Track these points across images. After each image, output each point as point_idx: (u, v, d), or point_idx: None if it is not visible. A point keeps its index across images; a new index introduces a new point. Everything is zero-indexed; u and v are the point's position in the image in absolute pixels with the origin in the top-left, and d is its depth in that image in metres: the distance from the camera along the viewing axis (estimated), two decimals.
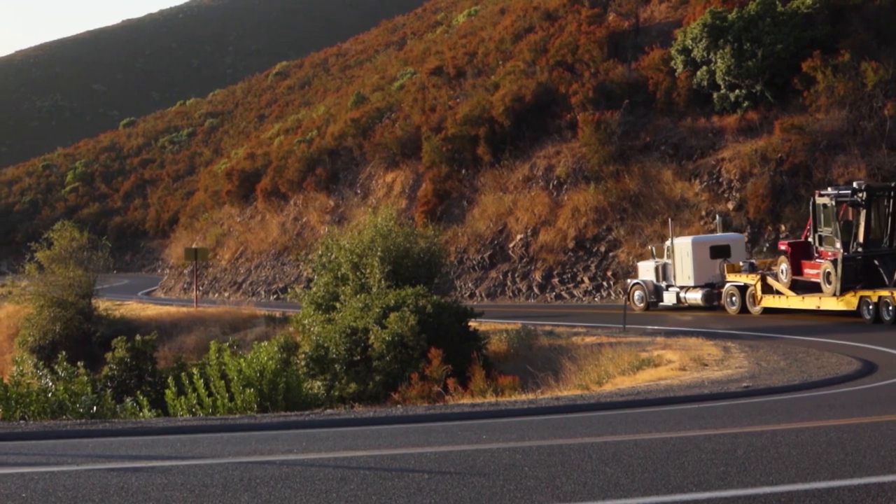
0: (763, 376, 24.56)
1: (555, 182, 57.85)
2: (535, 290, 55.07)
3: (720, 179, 51.04)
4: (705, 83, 53.66)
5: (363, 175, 73.08)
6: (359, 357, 33.42)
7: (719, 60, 52.37)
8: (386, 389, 31.10)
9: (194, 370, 25.60)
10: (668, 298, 45.79)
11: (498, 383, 27.20)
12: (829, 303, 38.20)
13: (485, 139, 62.49)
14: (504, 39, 75.32)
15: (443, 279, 46.06)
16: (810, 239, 40.21)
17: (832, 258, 38.26)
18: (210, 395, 23.69)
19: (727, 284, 43.40)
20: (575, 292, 53.24)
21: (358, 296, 38.13)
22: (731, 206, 49.90)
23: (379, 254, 40.39)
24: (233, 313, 56.69)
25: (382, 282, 39.29)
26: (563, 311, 47.45)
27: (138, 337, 36.57)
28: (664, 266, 46.37)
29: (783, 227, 47.74)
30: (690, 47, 54.30)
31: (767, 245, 47.75)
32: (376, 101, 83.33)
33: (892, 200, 37.72)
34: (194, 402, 23.78)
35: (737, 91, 52.45)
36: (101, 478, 11.32)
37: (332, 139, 78.47)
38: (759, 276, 41.85)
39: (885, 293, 35.92)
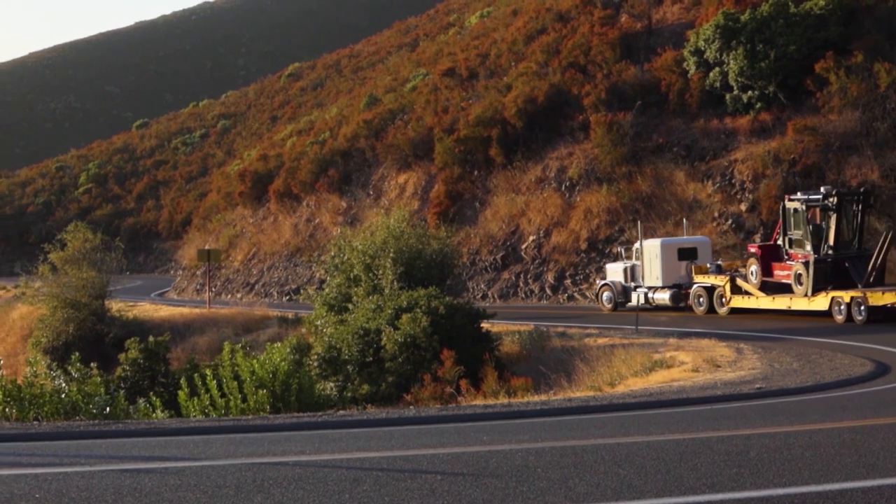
0: (776, 378, 24.53)
1: (567, 183, 57.83)
2: (548, 291, 55.05)
3: (733, 181, 50.99)
4: (718, 84, 53.60)
5: (375, 176, 73.12)
6: (371, 358, 33.46)
7: (732, 62, 52.30)
8: (398, 390, 31.12)
9: (207, 371, 25.61)
10: (636, 299, 46.99)
11: (510, 384, 27.21)
12: (801, 303, 39.68)
13: (497, 140, 62.47)
14: (516, 41, 75.28)
15: (455, 280, 46.19)
16: (780, 242, 41.85)
17: (803, 260, 39.94)
18: (223, 396, 23.73)
19: (695, 285, 45.07)
20: (587, 293, 53.18)
21: (370, 297, 38.18)
22: (743, 207, 49.85)
23: (391, 255, 40.43)
24: (245, 314, 56.74)
25: (395, 283, 39.33)
26: (576, 313, 47.42)
27: (151, 338, 36.64)
28: (633, 267, 47.89)
29: None
30: (703, 48, 54.23)
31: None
32: (389, 103, 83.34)
33: (860, 205, 39.75)
34: (207, 403, 23.81)
35: (749, 92, 52.37)
36: (114, 478, 11.35)
37: (345, 140, 78.51)
38: (728, 278, 43.38)
39: (857, 294, 37.48)
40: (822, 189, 40.63)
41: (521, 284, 56.69)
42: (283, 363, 24.12)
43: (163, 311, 63.95)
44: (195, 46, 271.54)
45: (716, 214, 50.65)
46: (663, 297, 45.87)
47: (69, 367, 24.98)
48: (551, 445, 13.79)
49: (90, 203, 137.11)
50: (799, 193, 41.61)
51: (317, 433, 16.47)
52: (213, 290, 75.37)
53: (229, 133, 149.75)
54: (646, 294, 46.76)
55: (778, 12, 52.21)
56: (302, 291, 58.78)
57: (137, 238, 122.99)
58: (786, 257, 41.40)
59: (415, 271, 40.96)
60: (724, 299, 43.37)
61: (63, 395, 20.73)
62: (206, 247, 78.40)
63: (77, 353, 26.28)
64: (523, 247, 57.29)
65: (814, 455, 12.03)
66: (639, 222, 49.90)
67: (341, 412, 22.40)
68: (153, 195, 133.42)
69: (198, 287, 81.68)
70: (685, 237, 48.26)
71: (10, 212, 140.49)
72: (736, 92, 52.86)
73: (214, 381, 23.72)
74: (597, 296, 50.31)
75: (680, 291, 45.55)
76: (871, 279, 38.29)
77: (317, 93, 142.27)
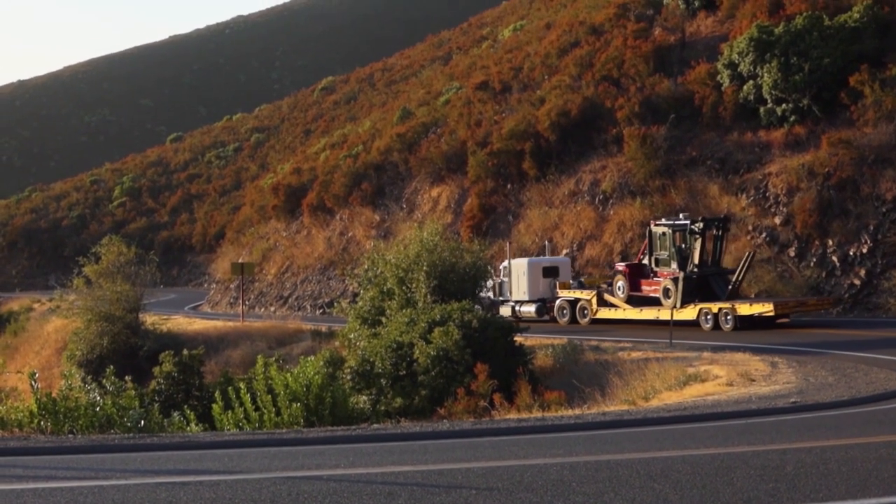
0: (811, 392, 24.41)
1: (600, 197, 57.75)
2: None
3: (767, 194, 50.80)
4: (752, 97, 53.42)
5: (409, 190, 73.16)
6: (404, 372, 33.43)
7: (766, 74, 52.14)
8: (431, 404, 31.05)
9: (241, 384, 25.67)
10: (504, 311, 50.67)
11: (544, 398, 27.13)
12: (668, 314, 43.43)
13: (530, 154, 62.45)
14: (550, 54, 75.22)
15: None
16: (645, 261, 47.42)
17: (671, 277, 45.32)
18: (257, 409, 23.77)
19: (559, 299, 50.70)
20: None
21: (404, 310, 38.15)
22: (777, 220, 49.67)
23: (425, 268, 40.44)
24: (279, 328, 56.81)
25: (428, 296, 39.33)
26: (609, 326, 47.36)
27: (185, 351, 36.65)
28: (500, 283, 53.16)
29: (831, 242, 47.46)
30: (737, 61, 54.07)
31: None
32: (422, 116, 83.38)
33: (721, 230, 45.60)
34: (241, 416, 23.85)
35: (783, 105, 52.18)
36: (149, 492, 11.38)
37: (378, 154, 78.61)
38: (595, 292, 49.09)
39: (725, 305, 43.28)
40: (680, 216, 46.96)
41: None
42: (316, 376, 24.12)
43: (196, 325, 64.11)
44: (229, 60, 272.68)
45: (750, 228, 50.48)
46: (529, 309, 51.41)
47: (104, 381, 25.04)
48: (586, 460, 13.77)
49: (124, 216, 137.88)
50: (664, 219, 47.50)
51: (351, 447, 16.48)
52: (247, 303, 75.50)
53: (263, 146, 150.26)
54: (513, 307, 51.94)
55: (812, 25, 52.02)
56: (335, 305, 59.03)
57: (171, 251, 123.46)
58: (652, 275, 46.71)
59: (448, 285, 40.96)
60: (586, 311, 49.18)
61: (98, 409, 20.79)
62: (240, 260, 78.56)
63: (111, 367, 26.35)
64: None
65: (850, 470, 11.97)
66: (508, 242, 57.26)
67: (375, 426, 22.39)
68: (187, 208, 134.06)
69: (231, 300, 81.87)
70: (549, 257, 54.45)
71: (44, 225, 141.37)
72: (770, 105, 52.68)
73: (248, 395, 23.76)
74: None
75: (544, 305, 50.79)
76: (732, 293, 44.36)
77: (350, 106, 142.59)
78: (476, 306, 40.67)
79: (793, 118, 51.90)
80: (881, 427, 17.46)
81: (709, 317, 43.50)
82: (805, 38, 51.64)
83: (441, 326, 33.25)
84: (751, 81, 53.32)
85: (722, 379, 28.55)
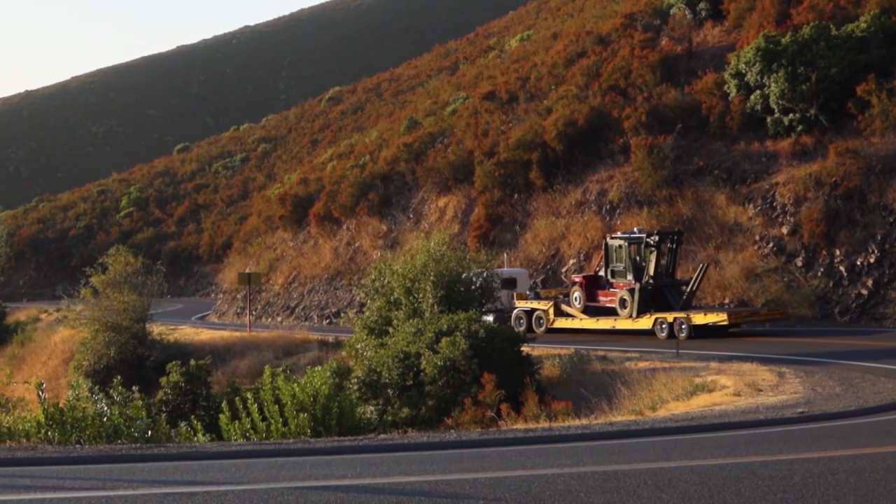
0: (819, 402, 24.38)
1: (607, 206, 57.73)
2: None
3: (774, 204, 50.77)
4: (759, 107, 53.42)
5: (416, 200, 73.18)
6: (411, 382, 33.38)
7: (773, 84, 52.14)
8: (438, 414, 31.03)
9: (248, 395, 25.69)
10: None
11: (551, 408, 27.10)
12: (625, 323, 46.86)
13: (537, 164, 62.46)
14: (557, 64, 75.23)
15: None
16: (601, 273, 49.42)
17: (627, 288, 47.28)
18: (264, 419, 23.78)
19: (516, 309, 51.98)
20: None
21: (411, 320, 38.11)
22: (785, 230, 49.63)
23: (432, 278, 40.44)
24: (286, 338, 56.79)
25: (435, 306, 39.32)
26: (616, 336, 47.34)
27: (192, 361, 36.62)
28: None
29: (838, 252, 47.43)
30: (744, 71, 54.06)
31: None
32: (429, 126, 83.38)
33: (674, 243, 47.61)
34: (248, 426, 23.86)
35: (791, 115, 52.19)
36: (156, 502, 11.38)
37: (385, 164, 78.61)
38: (551, 303, 50.87)
39: (680, 314, 45.21)
40: (635, 229, 49.45)
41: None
42: (323, 386, 24.12)
43: (203, 335, 64.14)
44: (236, 70, 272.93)
45: (757, 238, 50.45)
46: (487, 319, 49.41)
47: (111, 391, 25.01)
48: (594, 470, 13.75)
49: (131, 227, 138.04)
50: (619, 234, 49.66)
51: (358, 457, 16.46)
52: (254, 313, 75.54)
53: (270, 157, 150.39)
54: None
55: (819, 35, 52.02)
56: (342, 315, 59.12)
57: (178, 261, 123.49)
58: (609, 286, 48.71)
59: (455, 295, 40.98)
60: (542, 321, 50.64)
61: (105, 419, 20.78)
62: (247, 270, 78.65)
63: (119, 377, 26.30)
64: (563, 270, 57.20)
65: (858, 480, 11.96)
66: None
67: (382, 436, 22.38)
68: (194, 219, 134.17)
69: (238, 310, 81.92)
70: (507, 269, 55.82)
71: (52, 235, 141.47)
72: (777, 115, 52.68)
73: (255, 405, 23.77)
74: None
75: (502, 314, 50.13)
76: (686, 304, 46.56)
77: (357, 116, 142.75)
78: (485, 317, 40.98)
79: (800, 128, 51.91)
80: (889, 437, 17.43)
81: (664, 326, 45.57)
82: (812, 48, 51.64)
83: (448, 336, 33.21)
84: (758, 91, 53.31)
85: (729, 389, 28.52)
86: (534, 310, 51.31)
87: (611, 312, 48.09)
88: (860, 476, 12.27)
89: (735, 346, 40.52)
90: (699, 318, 44.69)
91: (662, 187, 55.16)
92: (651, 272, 47.33)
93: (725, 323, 44.14)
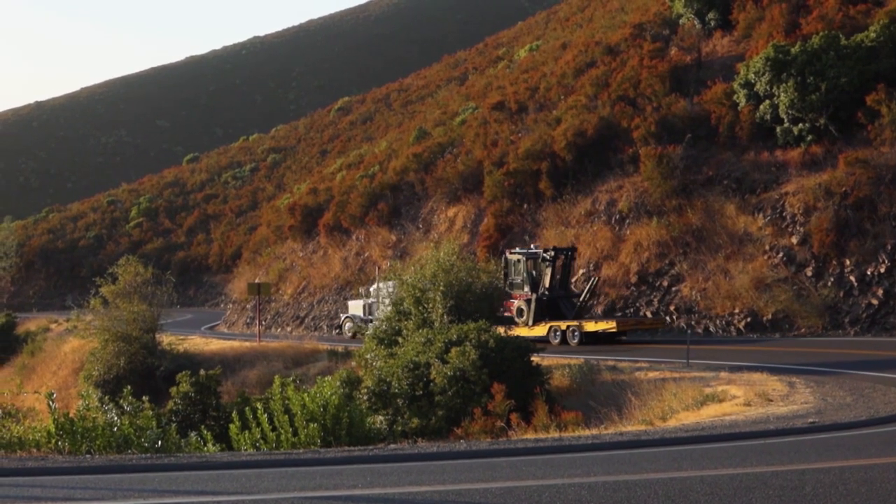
0: (829, 412, 24.34)
1: (617, 216, 57.71)
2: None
3: (784, 213, 50.73)
4: (768, 117, 53.40)
5: (425, 210, 73.19)
6: (421, 392, 33.38)
7: (782, 94, 52.12)
8: (448, 424, 31.02)
9: (258, 405, 25.70)
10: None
11: (561, 418, 27.07)
12: (521, 331, 47.62)
13: (547, 174, 62.46)
14: (566, 74, 75.26)
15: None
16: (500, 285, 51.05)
17: (524, 299, 51.38)
18: (274, 429, 23.80)
19: None
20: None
21: (420, 330, 38.13)
22: (794, 240, 49.58)
23: (441, 288, 40.50)
24: (295, 348, 56.78)
25: (445, 316, 39.35)
26: (626, 346, 47.32)
27: (202, 371, 36.61)
28: (370, 304, 58.92)
29: (848, 262, 47.39)
30: (753, 81, 54.05)
31: None
32: (438, 136, 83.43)
33: (569, 259, 52.25)
34: (258, 436, 23.88)
35: (800, 125, 52.16)
36: None
37: (394, 174, 78.62)
38: None
39: (573, 323, 49.33)
40: (532, 246, 54.57)
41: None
42: (333, 397, 24.13)
43: (213, 345, 64.14)
44: (245, 81, 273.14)
45: (767, 248, 50.41)
46: None
47: (121, 401, 25.04)
48: (604, 480, 13.74)
49: (141, 237, 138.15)
50: (517, 249, 54.12)
51: (368, 467, 16.46)
52: (264, 323, 75.56)
53: (279, 167, 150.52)
54: None
55: (829, 45, 52.00)
56: (352, 325, 59.48)
57: (188, 271, 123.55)
58: (507, 297, 51.51)
59: (464, 304, 41.01)
60: None
61: (115, 429, 20.82)
62: (256, 280, 78.59)
63: (129, 387, 26.34)
64: (573, 280, 57.14)
65: (869, 490, 11.94)
66: (377, 266, 63.12)
67: (392, 446, 22.37)
68: (203, 229, 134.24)
69: (248, 320, 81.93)
70: None
71: (62, 245, 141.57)
72: (786, 124, 52.65)
73: (265, 415, 23.80)
74: (339, 326, 65.40)
75: None
76: (578, 313, 50.60)
77: (366, 126, 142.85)
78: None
79: (809, 138, 51.88)
80: None
81: (557, 333, 49.67)
82: (821, 58, 51.62)
83: (458, 346, 33.22)
84: (767, 101, 53.29)
85: (739, 399, 28.48)
86: None
87: (509, 321, 49.67)
88: (871, 486, 12.25)
89: (745, 356, 40.44)
90: (590, 326, 48.86)
91: (672, 197, 55.14)
92: (546, 284, 51.80)
93: (614, 330, 48.30)
